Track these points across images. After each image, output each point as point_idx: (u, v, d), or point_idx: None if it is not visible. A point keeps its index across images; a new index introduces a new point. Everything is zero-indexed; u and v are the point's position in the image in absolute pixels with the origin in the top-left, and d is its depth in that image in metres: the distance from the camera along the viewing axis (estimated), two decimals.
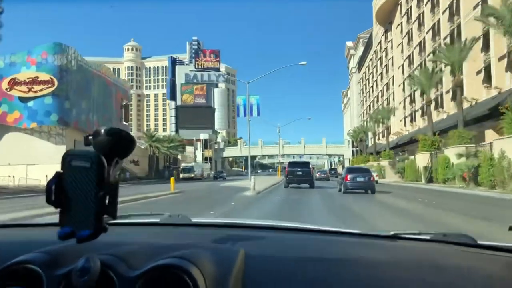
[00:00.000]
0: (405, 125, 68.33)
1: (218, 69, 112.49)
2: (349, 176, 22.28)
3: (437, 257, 1.23)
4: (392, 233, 1.50)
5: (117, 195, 0.83)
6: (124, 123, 59.80)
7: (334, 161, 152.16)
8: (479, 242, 1.40)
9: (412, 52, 63.37)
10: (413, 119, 63.97)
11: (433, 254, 1.29)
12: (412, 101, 64.28)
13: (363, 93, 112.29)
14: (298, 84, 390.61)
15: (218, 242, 1.24)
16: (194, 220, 1.71)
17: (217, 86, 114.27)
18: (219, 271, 0.89)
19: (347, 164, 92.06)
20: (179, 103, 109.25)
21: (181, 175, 67.30)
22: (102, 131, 0.85)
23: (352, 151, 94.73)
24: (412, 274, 1.03)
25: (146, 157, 68.38)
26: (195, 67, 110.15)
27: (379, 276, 1.01)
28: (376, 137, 72.67)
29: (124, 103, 59.22)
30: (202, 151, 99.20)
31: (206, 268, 0.86)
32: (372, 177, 22.60)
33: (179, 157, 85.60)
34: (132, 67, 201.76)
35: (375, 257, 1.19)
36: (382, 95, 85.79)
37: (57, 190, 0.81)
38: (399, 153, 58.09)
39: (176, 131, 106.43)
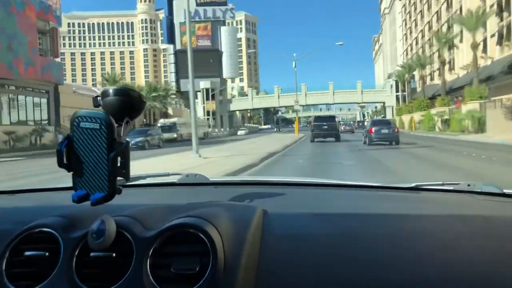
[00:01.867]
0: (484, 51, 43.23)
1: (224, 3, 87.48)
2: (373, 129, 22.09)
3: (462, 207, 1.20)
4: (414, 184, 1.42)
5: (129, 156, 0.79)
6: (55, 59, 36.85)
7: (367, 113, 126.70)
8: (505, 191, 1.30)
9: None
10: (504, 38, 38.86)
11: (458, 204, 1.24)
12: (502, 9, 38.95)
13: (405, 25, 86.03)
14: (323, 32, 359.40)
15: (236, 200, 1.20)
16: (212, 179, 1.64)
17: (224, 23, 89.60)
18: (236, 229, 0.85)
19: (389, 115, 68.70)
20: (178, 47, 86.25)
21: None
22: (111, 90, 0.82)
23: (396, 97, 69.90)
24: (436, 226, 0.97)
25: None
26: (196, 2, 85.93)
27: (403, 228, 0.96)
28: (435, 74, 47.66)
29: (49, 27, 36.00)
30: (203, 103, 76.13)
31: (223, 226, 0.82)
32: (396, 129, 22.53)
33: (170, 111, 63.34)
34: (146, 19, 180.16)
35: (398, 209, 1.14)
36: (439, 19, 59.89)
37: (68, 153, 0.78)
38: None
39: (177, 81, 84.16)
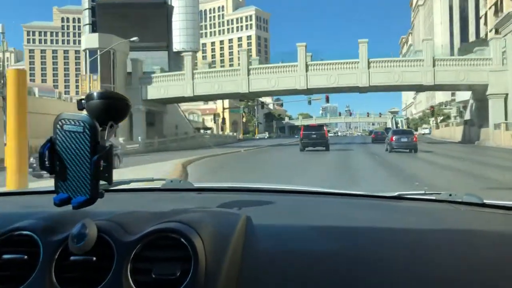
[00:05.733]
0: None
1: None
2: (394, 137, 22.92)
3: (442, 217, 1.16)
4: (396, 193, 1.37)
5: (112, 161, 0.76)
6: None
7: (401, 121, 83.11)
8: (486, 201, 1.25)
9: None
10: None
11: (438, 214, 1.21)
12: None
13: None
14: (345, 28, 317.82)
15: (221, 206, 1.14)
16: (197, 185, 1.56)
17: None
18: (219, 235, 0.81)
19: (499, 118, 28.04)
20: None
21: None
22: (95, 94, 0.77)
23: None
24: (417, 235, 0.94)
25: None
26: None
27: (384, 237, 0.92)
28: None
29: None
30: (89, 89, 35.57)
31: (205, 232, 0.78)
32: (414, 138, 22.80)
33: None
34: None
35: (379, 218, 1.10)
36: None
37: (50, 156, 0.74)
38: None
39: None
